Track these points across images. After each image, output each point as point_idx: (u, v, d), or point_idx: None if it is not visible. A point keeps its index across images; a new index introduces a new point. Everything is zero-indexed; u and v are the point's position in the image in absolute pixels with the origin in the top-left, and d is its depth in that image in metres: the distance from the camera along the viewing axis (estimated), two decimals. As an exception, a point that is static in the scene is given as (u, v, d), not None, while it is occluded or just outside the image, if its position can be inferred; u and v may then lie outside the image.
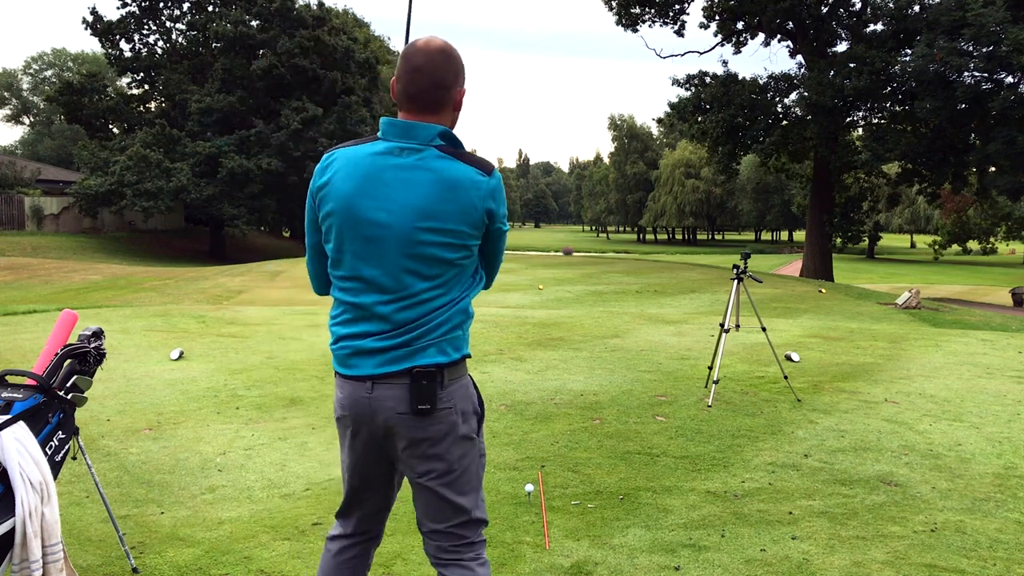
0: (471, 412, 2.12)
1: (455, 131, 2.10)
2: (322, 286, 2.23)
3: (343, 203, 2.01)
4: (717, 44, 30.75)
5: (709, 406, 5.86)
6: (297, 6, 39.24)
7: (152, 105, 42.04)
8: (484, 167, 2.03)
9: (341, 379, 2.12)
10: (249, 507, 3.78)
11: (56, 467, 2.78)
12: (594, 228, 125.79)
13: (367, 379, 2.04)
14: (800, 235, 76.86)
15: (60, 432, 2.83)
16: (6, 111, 71.13)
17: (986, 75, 21.80)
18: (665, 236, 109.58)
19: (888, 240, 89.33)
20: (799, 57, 28.41)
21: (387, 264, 2.01)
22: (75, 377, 2.92)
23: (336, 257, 2.07)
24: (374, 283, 2.02)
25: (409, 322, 2.02)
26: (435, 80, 2.02)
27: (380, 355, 2.03)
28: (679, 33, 30.00)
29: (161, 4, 39.31)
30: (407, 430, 2.04)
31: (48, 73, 69.54)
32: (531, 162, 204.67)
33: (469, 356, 2.16)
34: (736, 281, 6.48)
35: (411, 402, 2.01)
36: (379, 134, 2.07)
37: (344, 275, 2.07)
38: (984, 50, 21.08)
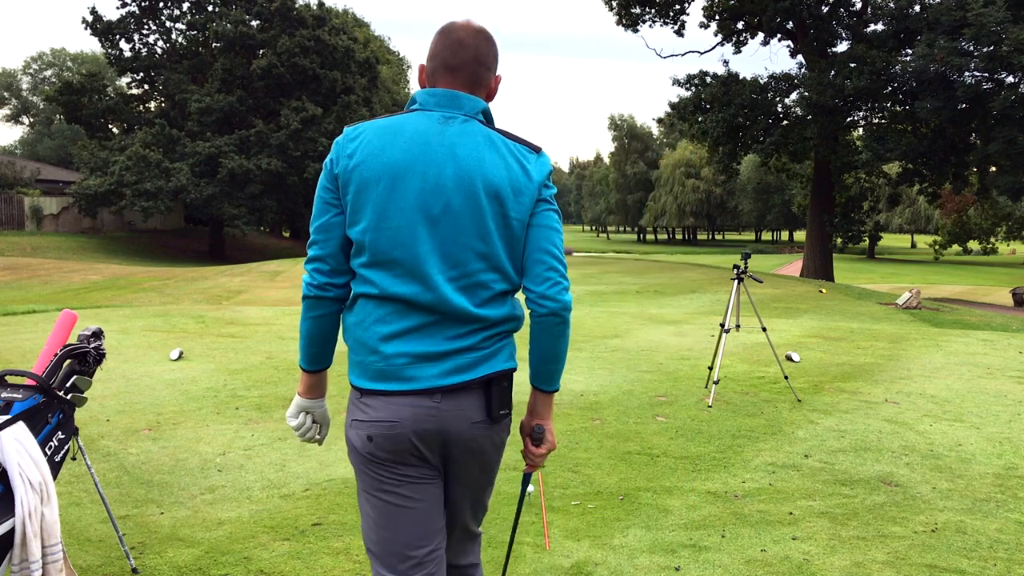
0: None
1: None
2: (325, 270, 1.85)
3: (386, 172, 1.75)
4: (717, 44, 30.76)
5: (709, 406, 5.85)
6: (297, 6, 39.24)
7: (152, 105, 42.06)
8: (532, 146, 1.88)
9: (384, 397, 1.78)
10: (249, 507, 3.77)
11: (56, 467, 2.78)
12: (594, 228, 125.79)
13: (435, 392, 1.77)
14: (800, 235, 76.85)
15: (60, 432, 2.83)
16: (6, 111, 71.17)
17: (987, 75, 21.79)
18: (665, 236, 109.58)
19: (888, 240, 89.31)
20: (799, 57, 28.39)
21: (446, 242, 1.76)
22: (75, 377, 2.92)
23: (375, 239, 1.76)
24: (430, 269, 1.75)
25: (479, 316, 1.77)
26: (478, 56, 1.87)
27: (450, 359, 1.77)
28: (679, 33, 29.99)
29: (161, 4, 39.30)
30: (478, 441, 1.83)
31: (48, 73, 69.58)
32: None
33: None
34: (736, 281, 6.48)
35: (488, 408, 1.81)
36: (414, 105, 1.87)
37: (383, 261, 1.76)
38: (985, 50, 21.07)
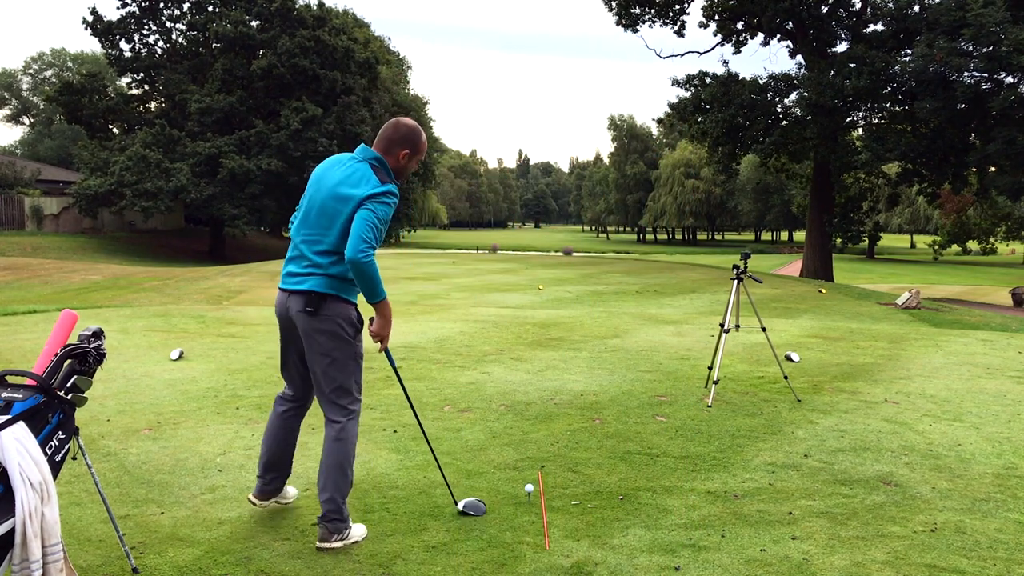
0: (349, 324, 3.36)
1: (399, 178, 3.47)
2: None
3: (312, 184, 3.47)
4: (717, 44, 30.81)
5: (709, 406, 5.86)
6: (297, 6, 39.23)
7: (152, 105, 42.04)
8: (381, 178, 3.33)
9: (280, 292, 3.46)
10: (249, 507, 3.77)
11: (56, 467, 2.78)
12: (594, 228, 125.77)
13: (289, 292, 3.39)
14: (800, 235, 76.78)
15: (60, 432, 2.83)
16: (6, 111, 71.12)
17: (986, 75, 21.79)
18: (665, 236, 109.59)
19: (888, 240, 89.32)
20: (799, 57, 28.41)
21: (315, 220, 3.37)
22: (75, 377, 2.92)
23: (301, 216, 3.47)
24: (309, 233, 3.38)
25: (316, 261, 3.33)
26: (389, 136, 3.46)
27: (297, 277, 3.38)
28: (679, 33, 30.02)
29: (161, 4, 39.30)
30: (305, 323, 3.34)
31: (48, 73, 69.55)
32: (531, 162, 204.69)
33: (351, 302, 3.39)
34: (736, 281, 6.48)
35: (304, 304, 3.32)
36: (353, 153, 3.49)
37: (298, 227, 3.46)
38: (984, 50, 21.08)
